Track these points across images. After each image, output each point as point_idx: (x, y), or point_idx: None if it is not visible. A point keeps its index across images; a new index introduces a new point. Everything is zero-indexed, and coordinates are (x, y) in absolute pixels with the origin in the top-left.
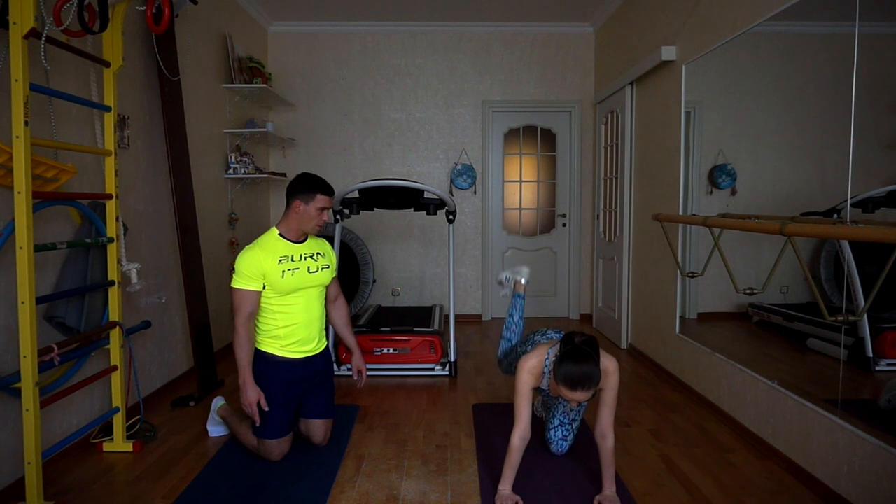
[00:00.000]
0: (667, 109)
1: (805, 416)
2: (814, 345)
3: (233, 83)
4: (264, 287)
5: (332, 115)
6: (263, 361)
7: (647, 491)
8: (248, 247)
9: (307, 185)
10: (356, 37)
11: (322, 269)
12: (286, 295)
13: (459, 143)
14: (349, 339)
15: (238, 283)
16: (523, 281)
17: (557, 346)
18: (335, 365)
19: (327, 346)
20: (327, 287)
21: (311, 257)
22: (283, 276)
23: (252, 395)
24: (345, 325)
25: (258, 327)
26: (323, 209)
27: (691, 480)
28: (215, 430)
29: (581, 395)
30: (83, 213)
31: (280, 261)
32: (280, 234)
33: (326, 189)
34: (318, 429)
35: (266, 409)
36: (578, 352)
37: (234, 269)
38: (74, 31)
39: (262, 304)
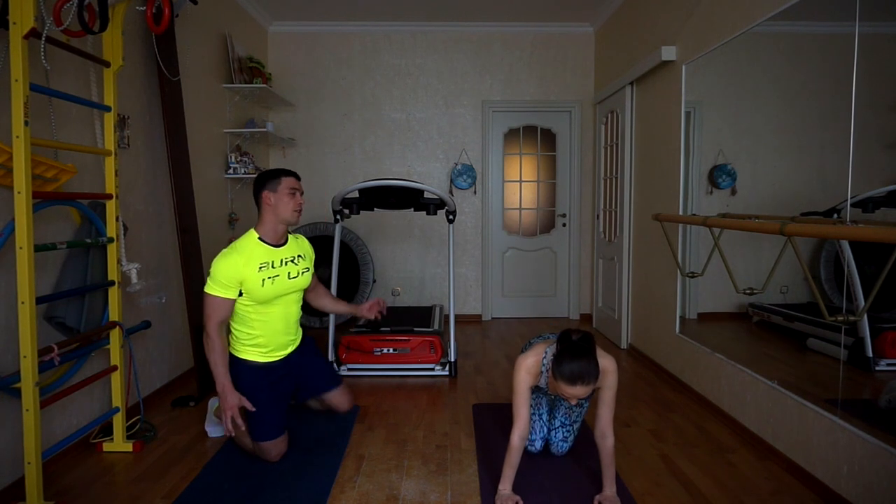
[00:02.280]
0: (667, 109)
1: (805, 416)
2: (814, 345)
3: (233, 83)
4: (240, 294)
5: (332, 115)
6: (246, 369)
7: (647, 491)
8: (225, 251)
9: (268, 176)
10: (356, 37)
11: (302, 273)
12: (264, 304)
13: (459, 143)
14: (343, 307)
15: (213, 289)
16: None
17: (554, 344)
18: (335, 364)
19: (303, 334)
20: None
21: (293, 261)
22: (262, 285)
23: (233, 399)
24: (331, 301)
25: (235, 336)
26: (293, 190)
27: (691, 480)
28: (214, 430)
29: (580, 391)
30: (83, 213)
31: (260, 268)
32: (260, 238)
33: (288, 171)
34: (337, 398)
35: (252, 409)
36: (576, 347)
37: (209, 272)
38: (74, 31)
39: (240, 313)
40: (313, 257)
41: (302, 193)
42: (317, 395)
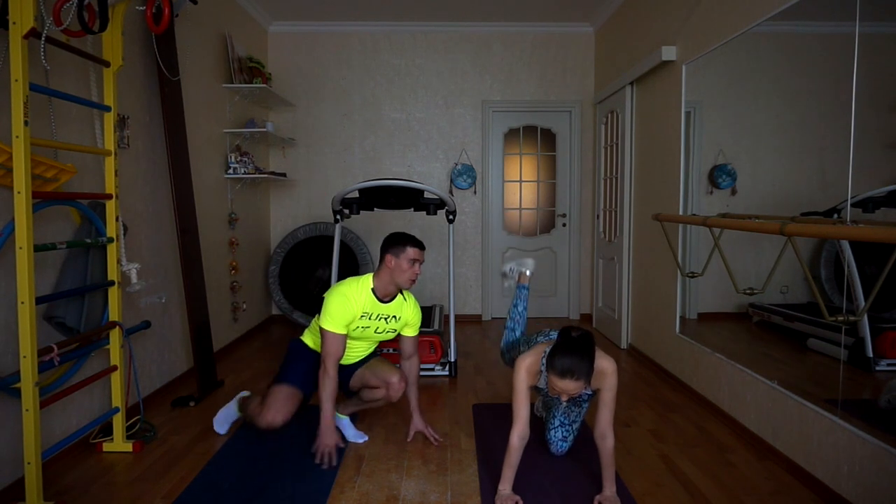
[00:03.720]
0: (667, 109)
1: (805, 416)
2: (814, 345)
3: (233, 83)
4: None
5: (332, 115)
6: (305, 347)
7: (647, 491)
8: (342, 291)
9: (397, 240)
10: (356, 37)
11: (388, 332)
12: (349, 339)
13: (459, 143)
14: (413, 398)
15: (330, 325)
16: (528, 273)
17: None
18: None
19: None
20: (402, 343)
21: (385, 319)
22: (354, 330)
23: (331, 439)
24: (412, 382)
25: (313, 335)
26: (414, 261)
27: (691, 480)
28: (221, 426)
29: (569, 385)
30: (83, 213)
31: (361, 316)
32: (372, 289)
33: (416, 242)
34: (379, 376)
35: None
36: (572, 343)
37: (323, 306)
38: (74, 31)
39: None
40: (416, 323)
41: (422, 263)
42: (351, 375)
